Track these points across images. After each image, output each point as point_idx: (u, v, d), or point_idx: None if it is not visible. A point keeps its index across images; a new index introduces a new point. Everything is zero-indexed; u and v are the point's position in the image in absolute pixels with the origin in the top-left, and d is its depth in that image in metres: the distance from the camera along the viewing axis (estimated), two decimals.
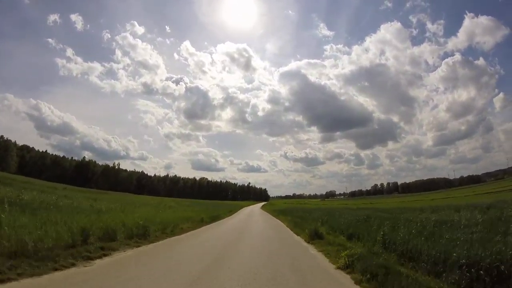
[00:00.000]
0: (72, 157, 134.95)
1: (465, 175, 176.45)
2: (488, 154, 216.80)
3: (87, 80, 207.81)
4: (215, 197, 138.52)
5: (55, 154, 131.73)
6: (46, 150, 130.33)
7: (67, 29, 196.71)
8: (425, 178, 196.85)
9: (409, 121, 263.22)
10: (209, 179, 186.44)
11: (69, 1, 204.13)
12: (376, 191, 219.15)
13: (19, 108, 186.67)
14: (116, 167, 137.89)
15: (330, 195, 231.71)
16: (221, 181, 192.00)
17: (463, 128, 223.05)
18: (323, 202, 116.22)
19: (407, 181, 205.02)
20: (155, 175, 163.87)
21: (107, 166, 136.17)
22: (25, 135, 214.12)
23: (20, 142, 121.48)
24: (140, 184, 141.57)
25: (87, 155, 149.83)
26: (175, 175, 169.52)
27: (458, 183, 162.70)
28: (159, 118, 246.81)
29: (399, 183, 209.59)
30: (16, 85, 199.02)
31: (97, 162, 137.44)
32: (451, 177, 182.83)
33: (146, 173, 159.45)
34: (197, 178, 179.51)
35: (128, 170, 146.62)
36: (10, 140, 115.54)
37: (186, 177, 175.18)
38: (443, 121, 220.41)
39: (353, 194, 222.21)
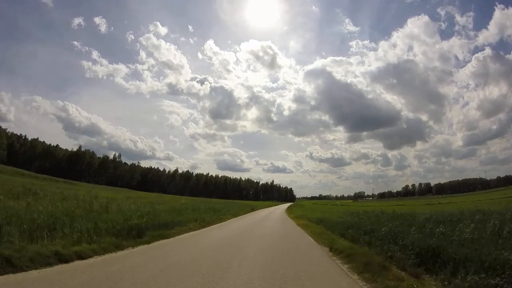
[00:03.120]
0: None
1: (495, 176, 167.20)
2: None
3: (112, 81, 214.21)
4: (234, 196, 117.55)
5: (48, 143, 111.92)
6: (37, 138, 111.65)
7: (92, 32, 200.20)
8: (460, 179, 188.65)
9: (438, 120, 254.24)
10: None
11: (92, 5, 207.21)
12: (407, 192, 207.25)
13: (47, 109, 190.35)
14: (117, 159, 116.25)
15: (359, 196, 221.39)
16: (241, 178, 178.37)
17: (494, 127, 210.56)
18: (359, 204, 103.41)
19: (436, 183, 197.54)
20: (164, 170, 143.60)
21: (105, 158, 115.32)
22: (54, 137, 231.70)
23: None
24: (145, 179, 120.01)
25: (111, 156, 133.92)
26: (187, 171, 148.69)
27: (495, 184, 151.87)
28: (184, 118, 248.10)
29: (430, 184, 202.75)
30: (43, 87, 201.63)
31: (94, 153, 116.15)
32: (483, 178, 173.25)
33: (154, 167, 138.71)
34: (214, 175, 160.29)
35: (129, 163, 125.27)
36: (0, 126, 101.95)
37: (200, 173, 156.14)
38: (473, 120, 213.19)
39: (382, 196, 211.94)
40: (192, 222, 15.77)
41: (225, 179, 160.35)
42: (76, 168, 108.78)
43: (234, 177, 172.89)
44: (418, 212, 19.85)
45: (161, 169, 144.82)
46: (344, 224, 15.09)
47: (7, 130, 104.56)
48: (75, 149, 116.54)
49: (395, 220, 14.36)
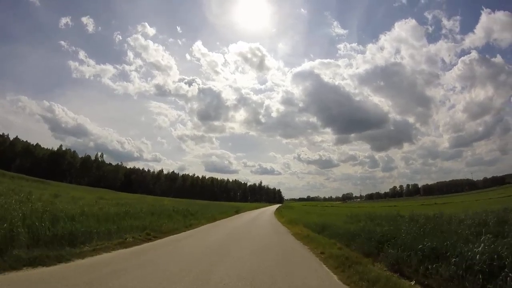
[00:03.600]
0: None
1: (481, 178, 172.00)
2: (505, 156, 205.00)
3: (100, 82, 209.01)
4: (221, 198, 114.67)
5: (27, 141, 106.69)
6: (17, 136, 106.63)
7: (79, 32, 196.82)
8: (447, 180, 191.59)
9: (425, 122, 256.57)
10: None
11: (80, 4, 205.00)
12: (395, 193, 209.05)
13: (33, 110, 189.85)
14: (100, 159, 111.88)
15: (347, 197, 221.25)
16: (228, 179, 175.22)
17: (480, 129, 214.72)
18: (349, 205, 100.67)
19: (423, 184, 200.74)
20: (148, 170, 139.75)
21: (87, 157, 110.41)
22: (40, 137, 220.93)
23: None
24: (129, 180, 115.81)
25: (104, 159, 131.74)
26: (173, 172, 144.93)
27: (482, 185, 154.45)
28: (172, 119, 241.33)
29: (418, 185, 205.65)
30: (29, 87, 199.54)
31: (76, 153, 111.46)
32: (470, 179, 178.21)
33: (138, 168, 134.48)
34: (200, 176, 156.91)
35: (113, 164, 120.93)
36: None
37: (187, 173, 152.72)
38: (460, 122, 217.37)
39: (370, 197, 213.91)
40: (132, 233, 11.13)
41: (212, 180, 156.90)
42: (58, 168, 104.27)
43: (221, 178, 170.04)
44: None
45: (148, 170, 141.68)
46: (365, 234, 10.05)
47: None
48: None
49: (426, 226, 9.49)
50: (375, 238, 9.20)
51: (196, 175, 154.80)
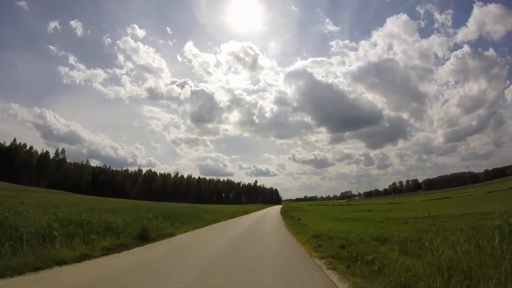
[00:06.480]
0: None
1: (477, 171, 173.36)
2: (499, 149, 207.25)
3: (90, 87, 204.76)
4: (210, 200, 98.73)
5: None
6: None
7: (68, 36, 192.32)
8: (448, 174, 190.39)
9: (419, 118, 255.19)
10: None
11: (68, 7, 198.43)
12: (395, 190, 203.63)
13: (25, 117, 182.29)
14: (60, 157, 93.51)
15: (346, 196, 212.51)
16: (218, 179, 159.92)
17: (474, 123, 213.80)
18: (356, 203, 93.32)
19: (419, 180, 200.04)
20: (122, 168, 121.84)
21: (45, 154, 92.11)
22: (33, 145, 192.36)
23: None
24: (97, 181, 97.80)
25: (95, 163, 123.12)
26: (150, 170, 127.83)
27: (483, 177, 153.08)
28: (165, 123, 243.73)
29: (418, 180, 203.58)
30: (19, 94, 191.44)
31: (33, 149, 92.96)
32: (472, 172, 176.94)
33: (108, 167, 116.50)
34: (185, 176, 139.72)
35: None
36: None
37: (167, 173, 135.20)
38: (454, 116, 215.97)
39: (369, 194, 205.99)
40: None
41: (199, 179, 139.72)
42: (11, 166, 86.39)
43: (210, 178, 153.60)
44: None
45: (122, 168, 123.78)
46: None
47: None
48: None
49: None
50: None
51: (179, 175, 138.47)
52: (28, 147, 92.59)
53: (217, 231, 16.29)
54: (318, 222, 22.67)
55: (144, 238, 10.44)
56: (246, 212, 45.51)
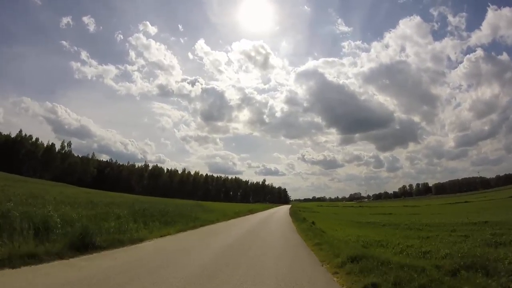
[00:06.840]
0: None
1: (488, 177, 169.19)
2: (511, 155, 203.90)
3: (102, 83, 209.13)
4: (218, 198, 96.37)
5: None
6: None
7: (80, 32, 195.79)
8: (459, 178, 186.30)
9: (431, 121, 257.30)
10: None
11: (80, 3, 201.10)
12: (404, 193, 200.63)
13: (36, 111, 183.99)
14: (66, 150, 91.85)
15: (355, 198, 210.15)
16: (226, 177, 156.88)
17: (486, 127, 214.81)
18: (367, 205, 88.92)
19: (429, 184, 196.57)
20: (128, 163, 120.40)
21: (50, 147, 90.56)
22: (44, 139, 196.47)
23: None
24: (102, 175, 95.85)
25: (105, 158, 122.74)
26: (156, 165, 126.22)
27: (495, 183, 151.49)
28: (176, 120, 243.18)
29: (428, 184, 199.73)
30: (32, 89, 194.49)
31: (39, 141, 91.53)
32: (483, 177, 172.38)
33: (114, 161, 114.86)
34: (192, 172, 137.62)
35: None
36: None
37: (175, 169, 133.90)
38: (465, 121, 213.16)
39: (378, 197, 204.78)
40: None
41: (206, 177, 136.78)
42: (16, 157, 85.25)
43: (218, 176, 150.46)
44: None
45: (129, 163, 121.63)
46: None
47: None
48: None
49: None
50: None
51: (187, 171, 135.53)
52: (34, 139, 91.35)
53: (206, 239, 11.13)
54: (335, 227, 18.87)
55: (84, 245, 6.91)
56: (252, 211, 41.90)
